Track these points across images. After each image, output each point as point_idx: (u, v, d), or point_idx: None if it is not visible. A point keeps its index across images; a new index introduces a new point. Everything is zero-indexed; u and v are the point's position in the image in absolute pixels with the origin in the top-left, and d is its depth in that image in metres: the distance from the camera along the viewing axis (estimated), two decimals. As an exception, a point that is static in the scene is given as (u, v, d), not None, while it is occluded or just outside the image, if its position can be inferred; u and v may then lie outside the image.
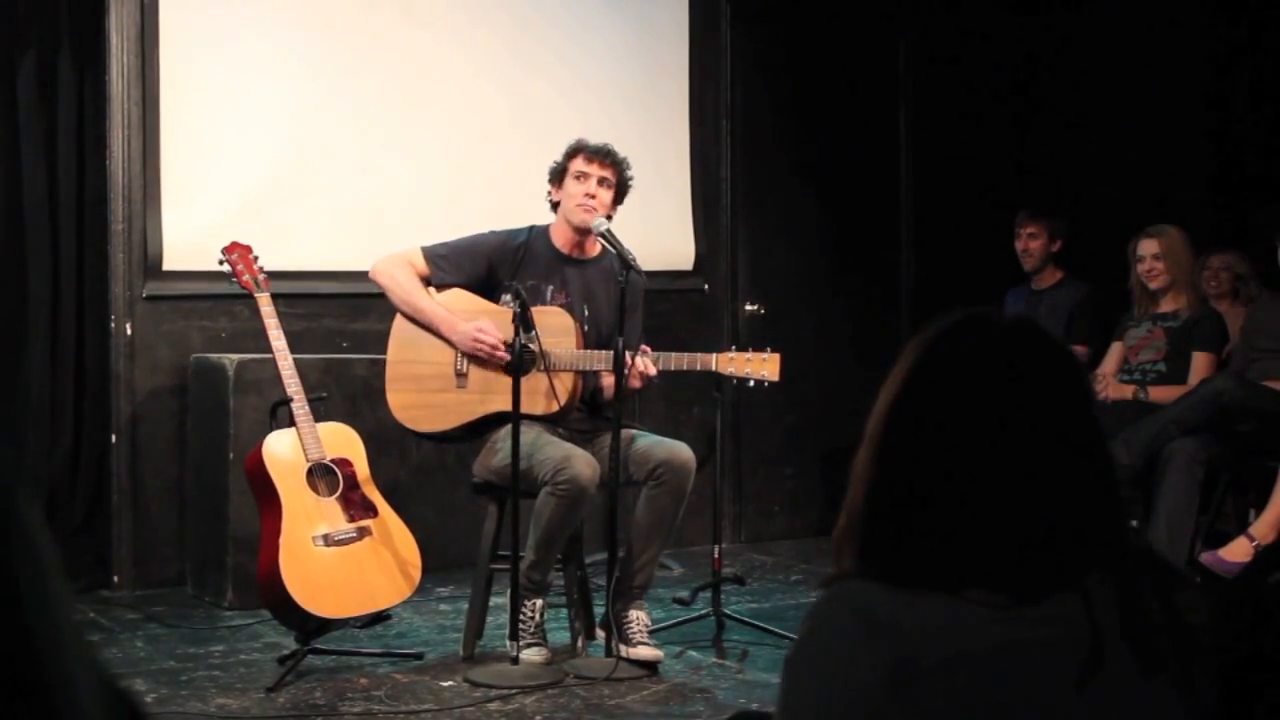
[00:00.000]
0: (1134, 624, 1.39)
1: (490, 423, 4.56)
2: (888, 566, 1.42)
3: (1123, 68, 6.81)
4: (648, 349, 4.49)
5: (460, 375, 4.60)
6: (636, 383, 4.45)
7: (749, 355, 4.51)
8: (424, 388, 4.61)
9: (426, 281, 4.64)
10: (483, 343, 4.53)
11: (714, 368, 4.50)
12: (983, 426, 1.43)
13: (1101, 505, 1.45)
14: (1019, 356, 1.47)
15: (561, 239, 4.71)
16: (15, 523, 0.87)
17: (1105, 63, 6.88)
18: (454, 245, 4.69)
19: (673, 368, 4.49)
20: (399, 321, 4.66)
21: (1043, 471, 1.43)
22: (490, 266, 4.66)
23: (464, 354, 4.58)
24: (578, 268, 4.71)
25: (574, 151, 4.68)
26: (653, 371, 4.44)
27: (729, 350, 4.60)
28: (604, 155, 4.65)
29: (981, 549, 1.41)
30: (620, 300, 4.40)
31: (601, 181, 4.62)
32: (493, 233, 4.74)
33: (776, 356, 4.49)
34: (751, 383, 4.54)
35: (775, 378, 4.51)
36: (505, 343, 4.45)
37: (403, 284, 4.62)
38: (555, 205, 4.72)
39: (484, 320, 4.55)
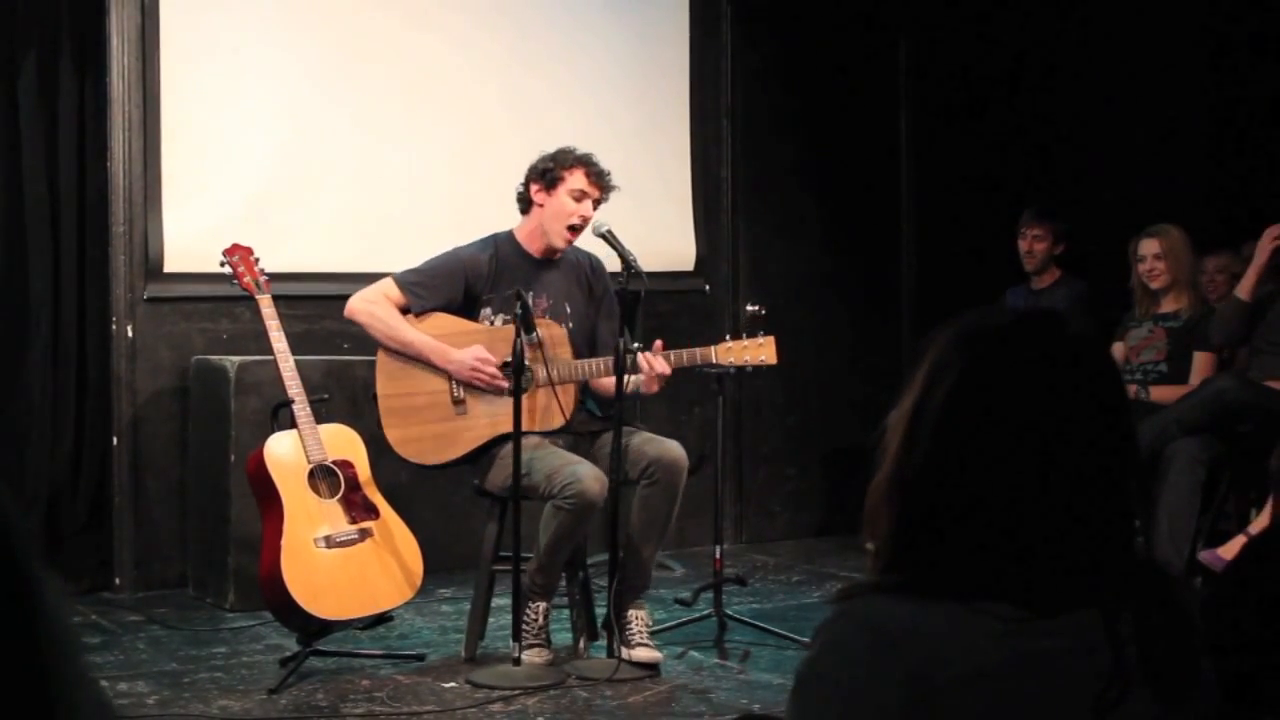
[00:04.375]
0: (1154, 658, 1.36)
1: (493, 439, 4.53)
2: (905, 570, 1.39)
3: (1123, 67, 6.80)
4: (661, 344, 4.48)
5: (458, 402, 4.54)
6: (655, 387, 4.45)
7: (745, 342, 4.55)
8: (423, 419, 4.54)
9: (405, 310, 4.54)
10: (481, 372, 4.49)
11: (714, 359, 4.53)
12: (1023, 434, 1.38)
13: (1123, 524, 1.42)
14: (1068, 363, 1.41)
15: (533, 243, 4.66)
16: (38, 596, 0.87)
17: (1105, 62, 6.87)
18: (426, 270, 4.60)
19: (673, 364, 4.49)
20: (383, 355, 4.57)
21: (1078, 484, 1.38)
22: (466, 284, 4.60)
23: (459, 381, 4.54)
24: (553, 270, 4.68)
25: (576, 164, 4.60)
26: (668, 370, 4.44)
27: (725, 340, 4.61)
28: (605, 180, 4.62)
29: (1004, 558, 1.37)
30: (622, 301, 4.41)
31: (595, 204, 4.62)
32: (459, 249, 4.65)
33: (771, 339, 4.54)
34: (750, 368, 4.56)
35: (773, 360, 4.54)
36: (502, 368, 4.43)
37: (383, 319, 4.52)
38: (528, 203, 4.65)
39: (478, 348, 4.50)
